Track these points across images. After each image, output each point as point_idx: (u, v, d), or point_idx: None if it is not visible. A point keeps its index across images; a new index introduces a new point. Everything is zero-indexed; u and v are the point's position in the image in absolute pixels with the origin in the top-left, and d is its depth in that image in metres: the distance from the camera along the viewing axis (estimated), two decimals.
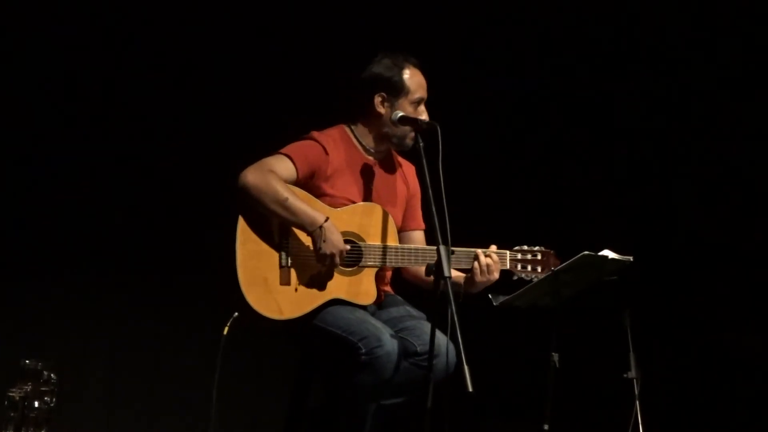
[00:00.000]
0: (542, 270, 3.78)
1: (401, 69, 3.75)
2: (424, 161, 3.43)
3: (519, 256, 3.77)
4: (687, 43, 5.59)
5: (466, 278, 3.71)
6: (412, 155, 3.88)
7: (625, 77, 5.74)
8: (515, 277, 3.79)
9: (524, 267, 3.77)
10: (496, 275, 3.69)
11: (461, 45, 5.67)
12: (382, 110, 3.74)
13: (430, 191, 3.39)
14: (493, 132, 5.78)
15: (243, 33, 5.21)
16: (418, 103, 3.74)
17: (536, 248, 3.79)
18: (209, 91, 5.16)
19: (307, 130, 3.76)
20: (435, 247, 3.47)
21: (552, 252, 3.81)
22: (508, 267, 3.75)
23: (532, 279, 3.79)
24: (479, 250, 3.67)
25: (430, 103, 3.80)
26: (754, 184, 5.47)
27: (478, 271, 3.65)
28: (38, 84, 4.95)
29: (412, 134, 3.71)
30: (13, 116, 4.89)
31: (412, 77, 3.75)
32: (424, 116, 3.72)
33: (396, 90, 3.73)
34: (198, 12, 5.14)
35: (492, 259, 3.67)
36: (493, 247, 3.72)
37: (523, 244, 3.81)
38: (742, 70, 5.50)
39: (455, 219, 3.37)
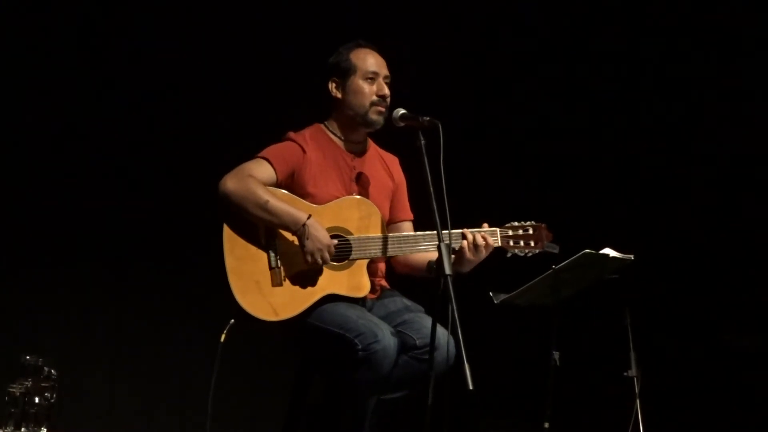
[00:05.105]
0: (535, 244, 3.68)
1: (348, 51, 3.78)
2: (425, 159, 3.38)
3: (510, 232, 3.69)
4: (689, 44, 5.59)
5: (455, 258, 3.59)
6: (395, 148, 3.88)
7: (629, 72, 5.74)
8: (509, 254, 3.69)
9: (517, 242, 3.68)
10: (486, 252, 3.61)
11: (461, 35, 5.68)
12: (339, 95, 3.75)
13: (431, 189, 3.35)
14: (495, 127, 5.78)
15: (223, 42, 5.23)
16: (372, 78, 3.73)
17: (527, 223, 3.71)
18: (209, 89, 5.21)
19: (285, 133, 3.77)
20: (423, 233, 3.60)
21: (543, 225, 3.71)
22: (500, 244, 3.66)
23: (526, 254, 3.69)
24: (467, 230, 3.60)
25: (433, 97, 3.76)
26: (754, 182, 5.46)
27: (466, 248, 3.58)
28: (36, 83, 4.94)
29: (373, 107, 3.70)
30: (11, 114, 4.89)
31: (358, 55, 3.77)
32: (384, 91, 3.72)
33: (344, 71, 3.75)
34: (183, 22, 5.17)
35: (480, 238, 3.60)
36: (485, 225, 3.66)
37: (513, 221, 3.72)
38: (745, 70, 5.50)
39: (453, 215, 3.34)
